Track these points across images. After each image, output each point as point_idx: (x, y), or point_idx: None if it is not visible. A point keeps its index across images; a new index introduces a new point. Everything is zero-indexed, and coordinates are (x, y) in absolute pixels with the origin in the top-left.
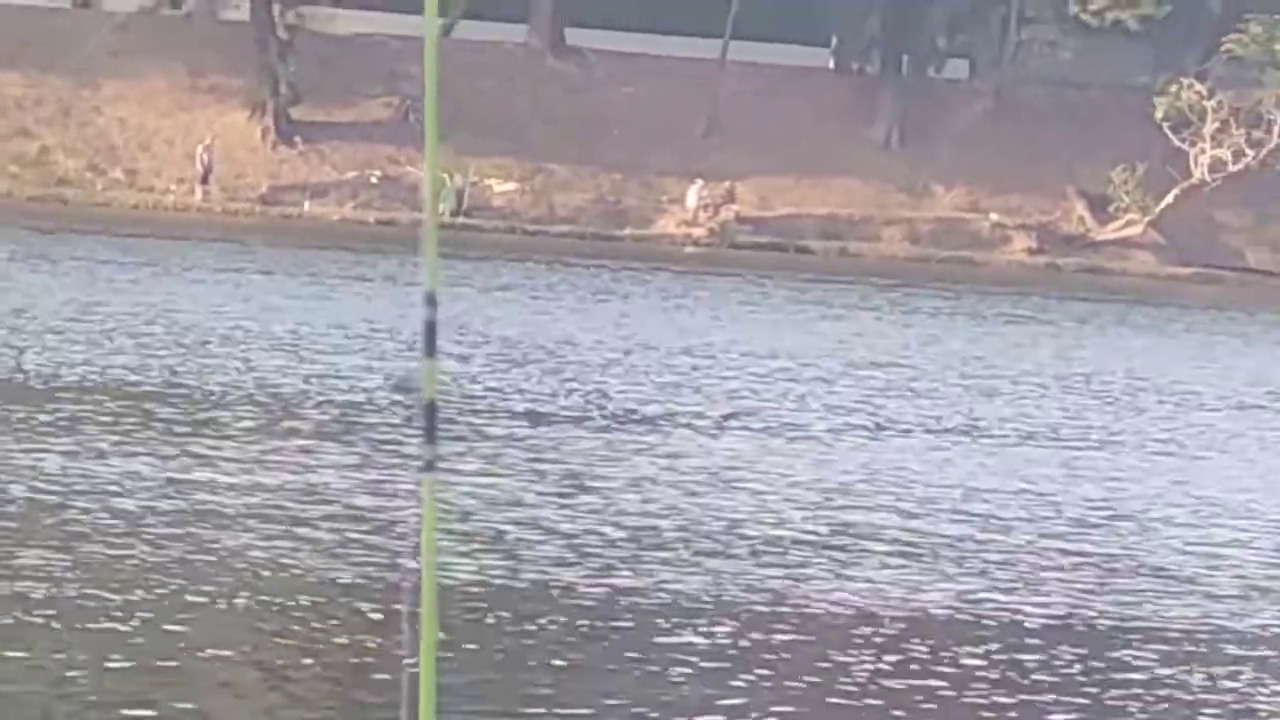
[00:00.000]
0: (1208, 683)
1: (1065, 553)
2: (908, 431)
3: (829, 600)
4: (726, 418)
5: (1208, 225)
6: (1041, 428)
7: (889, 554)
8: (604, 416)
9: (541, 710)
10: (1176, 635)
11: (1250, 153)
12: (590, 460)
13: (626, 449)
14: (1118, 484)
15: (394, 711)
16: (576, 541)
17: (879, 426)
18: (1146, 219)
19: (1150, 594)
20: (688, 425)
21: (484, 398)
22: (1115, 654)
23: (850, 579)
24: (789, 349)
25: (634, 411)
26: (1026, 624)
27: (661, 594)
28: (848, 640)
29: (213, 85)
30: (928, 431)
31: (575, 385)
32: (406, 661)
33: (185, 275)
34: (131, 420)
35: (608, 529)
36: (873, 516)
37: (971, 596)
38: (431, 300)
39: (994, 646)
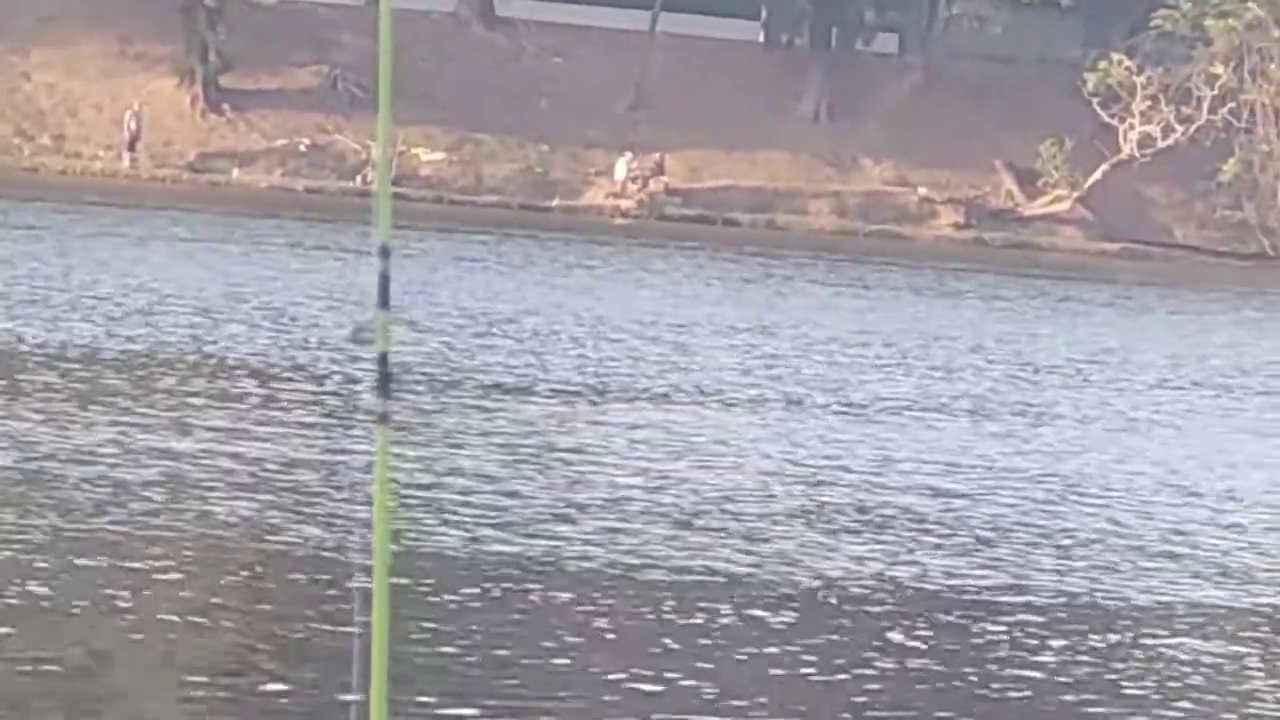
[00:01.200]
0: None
1: (1028, 527)
2: (858, 405)
3: (804, 573)
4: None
5: (1136, 201)
6: (983, 402)
7: (857, 527)
8: (558, 387)
9: (501, 686)
10: (1152, 609)
11: (1179, 129)
12: (550, 430)
13: (583, 420)
14: (1066, 457)
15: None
16: (543, 513)
17: (831, 400)
18: (1075, 194)
19: (1116, 568)
20: (642, 397)
21: (435, 365)
22: (1109, 629)
23: (820, 552)
24: (731, 321)
25: (587, 382)
26: (1002, 598)
27: (626, 566)
28: (827, 615)
29: (141, 52)
30: (877, 406)
31: (526, 355)
32: (358, 620)
33: (122, 241)
34: (90, 388)
35: (574, 501)
36: (835, 490)
37: (942, 570)
38: (384, 252)
39: (988, 622)
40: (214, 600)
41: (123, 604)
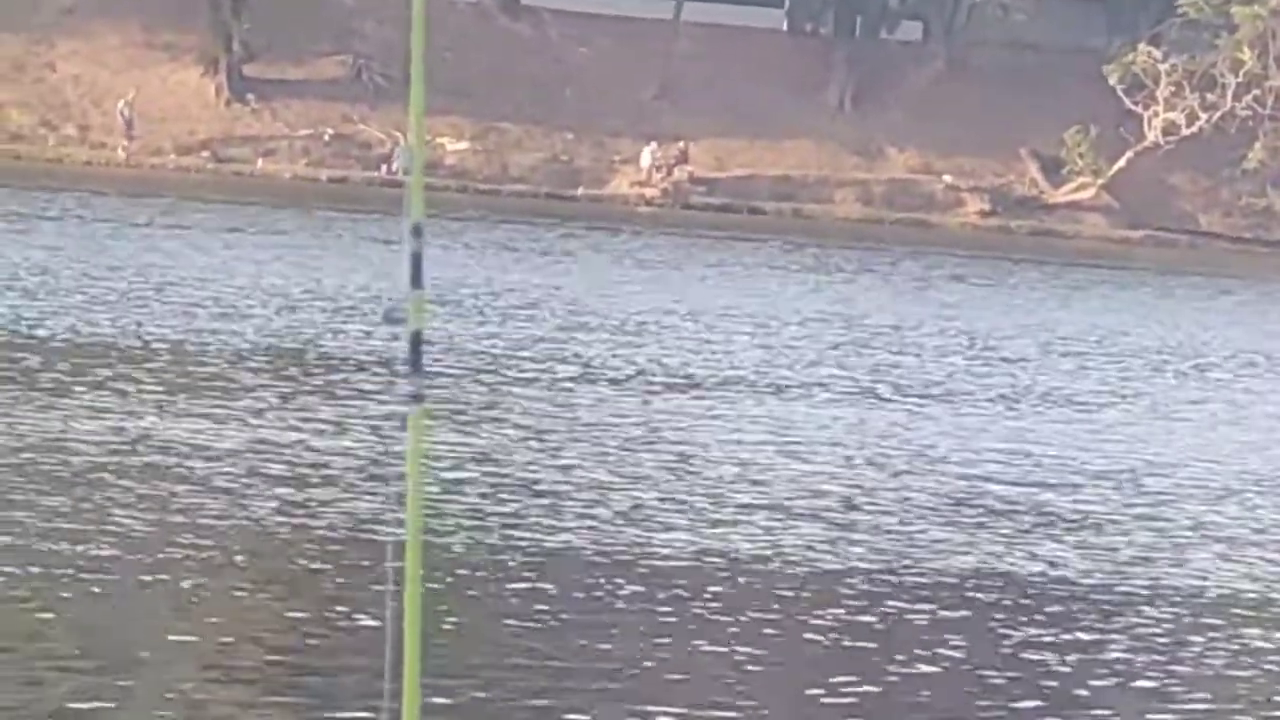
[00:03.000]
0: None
1: (1118, 518)
2: (892, 393)
3: (925, 567)
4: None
5: (1160, 188)
6: (1014, 389)
7: (959, 519)
8: (580, 376)
9: (531, 668)
10: (1183, 595)
11: (1203, 116)
12: (563, 418)
13: (662, 409)
14: (1137, 447)
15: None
16: (563, 502)
17: (861, 389)
18: (1099, 182)
19: (1220, 560)
20: (711, 386)
21: (467, 353)
22: (1240, 624)
23: (936, 545)
24: (762, 311)
25: (657, 372)
26: (1131, 592)
27: (659, 554)
28: (969, 610)
29: (166, 42)
30: (904, 394)
31: (546, 342)
32: (390, 600)
33: (147, 231)
34: (121, 378)
35: (595, 487)
36: (926, 481)
37: (1062, 561)
38: (418, 231)
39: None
40: (251, 586)
41: (150, 592)
